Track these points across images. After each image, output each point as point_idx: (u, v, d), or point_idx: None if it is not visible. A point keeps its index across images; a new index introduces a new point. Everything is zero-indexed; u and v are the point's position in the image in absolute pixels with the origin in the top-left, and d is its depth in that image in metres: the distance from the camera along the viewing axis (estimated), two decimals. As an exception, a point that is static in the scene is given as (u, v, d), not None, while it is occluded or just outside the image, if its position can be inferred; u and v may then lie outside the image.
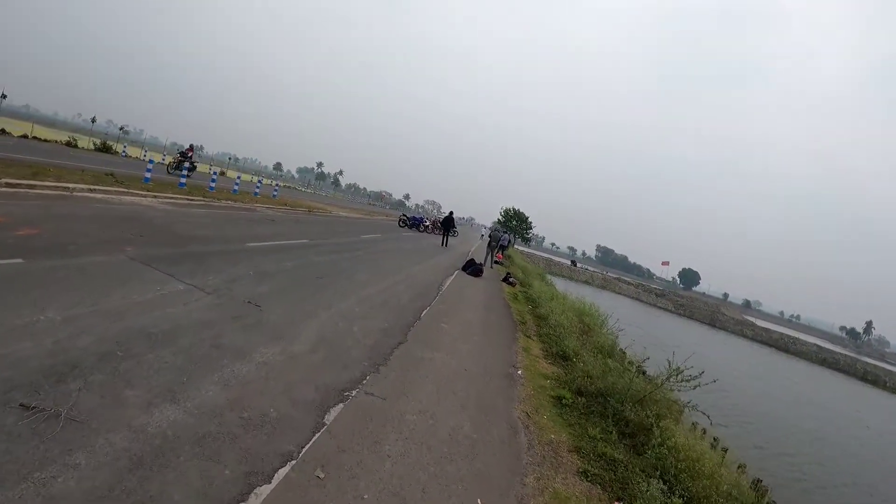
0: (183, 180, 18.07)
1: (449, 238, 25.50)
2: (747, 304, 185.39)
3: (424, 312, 7.77)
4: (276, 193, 26.08)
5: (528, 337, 8.37)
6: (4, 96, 36.78)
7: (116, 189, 13.06)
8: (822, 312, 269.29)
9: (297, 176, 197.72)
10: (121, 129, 40.42)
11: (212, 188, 19.62)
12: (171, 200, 14.25)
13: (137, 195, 13.27)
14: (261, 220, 14.25)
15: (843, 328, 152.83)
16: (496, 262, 22.03)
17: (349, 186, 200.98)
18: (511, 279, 16.48)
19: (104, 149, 31.69)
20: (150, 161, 17.76)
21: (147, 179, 16.20)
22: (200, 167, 43.83)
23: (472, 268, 15.59)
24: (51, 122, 74.34)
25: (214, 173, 22.62)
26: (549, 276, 30.38)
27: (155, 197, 13.96)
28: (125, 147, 38.05)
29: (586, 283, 67.36)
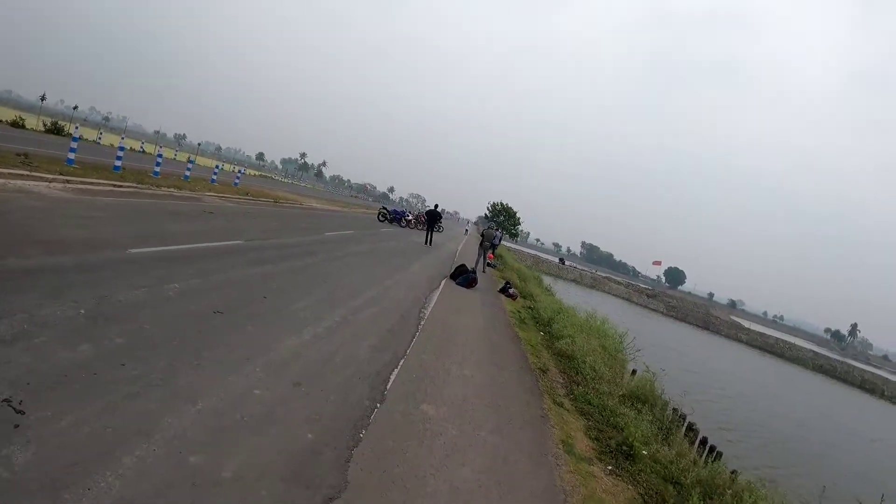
0: (118, 163, 15.08)
1: (434, 235, 22.48)
2: (732, 304, 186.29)
3: (393, 377, 4.62)
4: (237, 181, 22.78)
5: (560, 405, 5.39)
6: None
7: (13, 172, 10.19)
8: (804, 312, 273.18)
9: (280, 167, 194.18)
10: (74, 108, 36.33)
11: (156, 173, 16.63)
12: (84, 187, 11.38)
13: (39, 179, 10.51)
14: (192, 214, 11.10)
15: (828, 330, 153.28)
16: (489, 265, 19.22)
17: (333, 178, 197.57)
18: (511, 290, 13.58)
19: (55, 130, 28.37)
20: (75, 139, 14.61)
21: (70, 161, 13.21)
22: (167, 153, 40.22)
23: (464, 276, 12.68)
24: (31, 108, 69.54)
25: (160, 156, 19.39)
26: (543, 278, 27.74)
27: (66, 182, 11.03)
28: (77, 127, 34.23)
29: (575, 281, 64.97)
